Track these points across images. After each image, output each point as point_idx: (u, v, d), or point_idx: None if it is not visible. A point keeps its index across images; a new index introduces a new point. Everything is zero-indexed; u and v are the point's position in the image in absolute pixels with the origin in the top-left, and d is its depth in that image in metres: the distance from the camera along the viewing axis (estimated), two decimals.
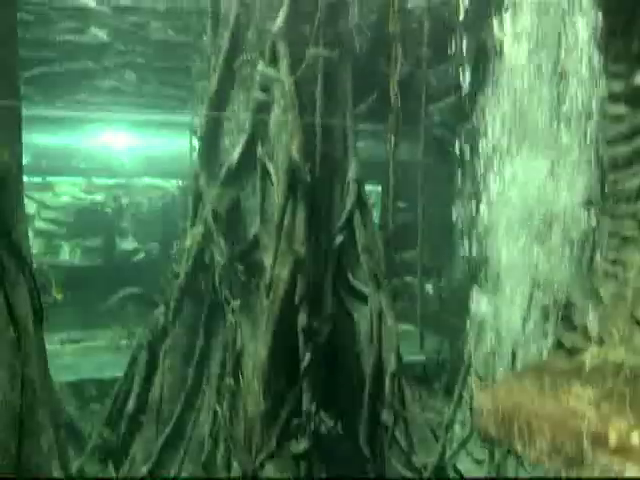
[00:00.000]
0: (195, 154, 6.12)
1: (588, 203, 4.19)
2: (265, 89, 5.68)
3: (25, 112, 5.42)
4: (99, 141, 10.29)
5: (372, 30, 10.85)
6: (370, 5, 10.68)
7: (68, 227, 12.10)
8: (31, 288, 3.83)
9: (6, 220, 3.77)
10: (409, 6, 10.00)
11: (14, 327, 3.67)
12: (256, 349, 5.46)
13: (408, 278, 9.50)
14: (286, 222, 5.39)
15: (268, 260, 5.54)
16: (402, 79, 9.15)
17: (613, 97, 4.04)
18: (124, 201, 12.24)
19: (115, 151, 10.69)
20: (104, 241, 11.69)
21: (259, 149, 5.65)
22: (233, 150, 5.77)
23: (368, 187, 12.75)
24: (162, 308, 6.05)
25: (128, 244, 12.26)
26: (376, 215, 12.52)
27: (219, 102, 5.87)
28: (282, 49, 5.58)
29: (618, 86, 3.98)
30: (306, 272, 5.36)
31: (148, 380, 6.09)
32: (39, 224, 12.08)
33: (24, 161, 5.09)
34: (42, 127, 10.04)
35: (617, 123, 4.00)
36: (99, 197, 12.09)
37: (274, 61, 5.61)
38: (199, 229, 5.74)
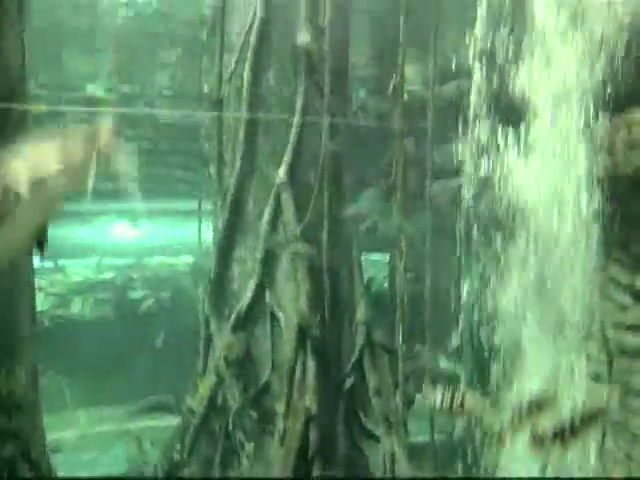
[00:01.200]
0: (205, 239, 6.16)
1: (595, 378, 4.20)
2: (272, 235, 5.74)
3: None
4: (111, 232, 10.42)
5: (377, 109, 10.91)
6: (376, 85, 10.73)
7: (78, 289, 12.23)
8: None
9: (26, 439, 3.86)
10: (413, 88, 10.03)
11: None
12: None
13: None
14: (297, 374, 5.44)
15: (280, 407, 5.59)
16: (407, 156, 9.19)
17: (617, 284, 4.05)
18: (135, 276, 12.37)
19: (126, 238, 10.81)
20: (115, 294, 11.83)
21: (267, 295, 5.71)
22: (242, 294, 5.83)
23: (377, 257, 12.72)
24: (177, 446, 6.11)
25: (137, 294, 12.39)
26: (384, 277, 12.57)
27: (226, 246, 5.94)
28: (286, 198, 5.64)
29: (624, 278, 4.00)
30: (318, 424, 5.40)
31: None
32: (51, 289, 12.22)
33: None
34: (54, 222, 10.15)
35: (623, 312, 4.02)
36: (109, 275, 12.21)
37: (279, 209, 5.67)
38: (211, 376, 5.80)
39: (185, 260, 11.90)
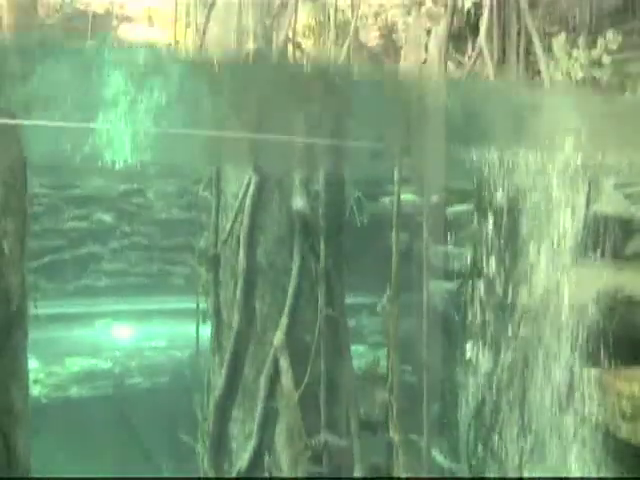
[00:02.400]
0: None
1: None
2: (271, 395, 5.82)
3: (35, 311, 5.58)
4: (110, 333, 10.53)
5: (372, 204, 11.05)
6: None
7: (75, 378, 12.26)
8: None
9: None
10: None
11: None
12: None
13: None
14: None
15: None
16: (402, 252, 9.31)
17: None
18: (133, 364, 12.45)
19: (124, 338, 10.90)
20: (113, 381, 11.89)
21: (266, 459, 5.77)
22: (241, 454, 5.90)
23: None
24: None
25: (134, 380, 12.47)
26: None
27: (225, 405, 6.01)
28: (284, 362, 5.73)
29: None
30: None
31: None
32: (48, 381, 12.26)
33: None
34: (52, 324, 10.22)
35: None
36: (107, 365, 12.28)
37: (277, 373, 5.75)
38: None
39: (183, 350, 11.96)
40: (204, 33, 7.89)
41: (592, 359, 3.51)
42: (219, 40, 7.78)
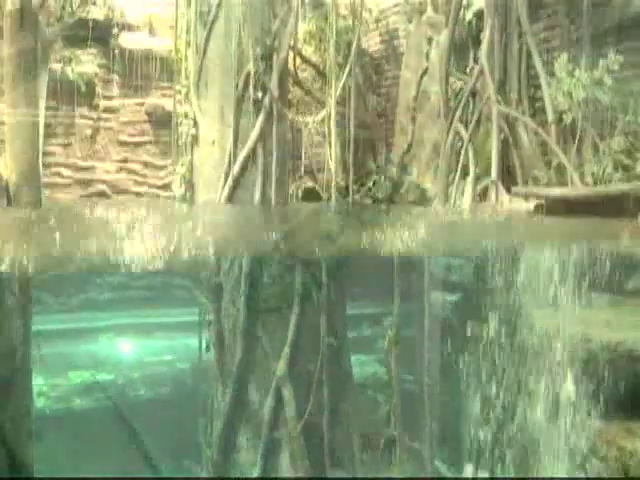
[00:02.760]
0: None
1: None
2: (274, 424, 5.85)
3: (39, 327, 5.64)
4: (113, 347, 10.56)
5: None
6: None
7: (78, 389, 12.32)
8: None
9: None
10: None
11: None
12: None
13: None
14: None
15: None
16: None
17: None
18: (136, 375, 12.49)
19: (127, 352, 10.93)
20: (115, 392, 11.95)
21: None
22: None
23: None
24: None
25: (135, 391, 12.53)
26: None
27: (229, 433, 6.04)
28: (286, 392, 5.75)
29: None
30: None
31: None
32: (52, 393, 12.32)
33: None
34: (57, 337, 10.26)
35: None
36: (109, 377, 12.32)
37: (280, 402, 5.78)
38: None
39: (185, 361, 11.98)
40: (204, 53, 7.89)
41: (593, 413, 3.52)
42: (219, 59, 7.76)
